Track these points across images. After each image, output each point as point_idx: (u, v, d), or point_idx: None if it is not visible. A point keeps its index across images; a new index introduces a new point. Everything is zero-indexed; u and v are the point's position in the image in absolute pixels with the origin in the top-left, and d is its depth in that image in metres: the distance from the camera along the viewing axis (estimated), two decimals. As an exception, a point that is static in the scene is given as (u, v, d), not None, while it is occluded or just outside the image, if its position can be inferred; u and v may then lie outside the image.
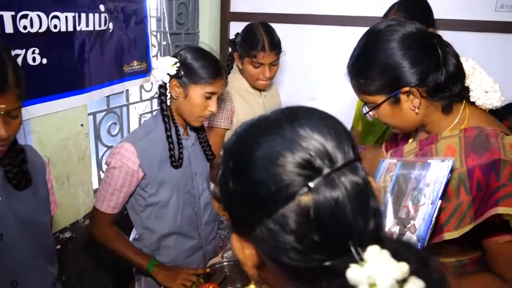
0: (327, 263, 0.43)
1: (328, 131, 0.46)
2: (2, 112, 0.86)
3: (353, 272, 0.40)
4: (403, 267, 0.39)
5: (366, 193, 0.45)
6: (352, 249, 0.42)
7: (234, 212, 0.51)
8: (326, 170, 0.44)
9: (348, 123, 2.01)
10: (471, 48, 2.02)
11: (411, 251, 0.44)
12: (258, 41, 1.74)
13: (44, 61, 1.41)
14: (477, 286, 0.96)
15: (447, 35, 1.96)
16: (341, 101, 1.96)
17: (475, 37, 2.05)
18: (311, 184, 0.43)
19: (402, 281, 0.39)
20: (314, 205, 0.43)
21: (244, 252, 0.51)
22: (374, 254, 0.40)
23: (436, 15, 1.69)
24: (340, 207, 0.43)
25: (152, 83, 2.13)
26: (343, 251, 0.42)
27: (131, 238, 1.46)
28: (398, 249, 0.42)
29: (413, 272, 0.40)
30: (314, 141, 0.45)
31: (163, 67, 1.29)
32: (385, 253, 0.40)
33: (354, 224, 0.43)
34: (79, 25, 1.54)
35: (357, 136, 1.92)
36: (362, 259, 0.41)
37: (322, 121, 0.48)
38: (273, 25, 1.88)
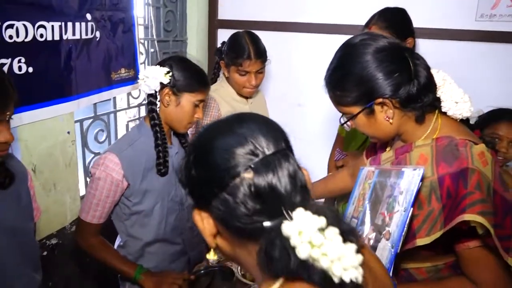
0: (266, 223, 0.56)
1: (267, 130, 0.62)
2: (7, 119, 0.94)
3: (285, 226, 0.53)
4: (321, 220, 0.54)
5: (295, 173, 0.59)
6: (284, 212, 0.55)
7: (195, 192, 0.65)
8: (262, 155, 0.59)
9: (333, 129, 2.04)
10: (452, 56, 2.07)
11: (328, 210, 0.56)
12: (243, 49, 1.77)
13: (30, 69, 1.42)
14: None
15: (428, 44, 2.02)
16: (327, 108, 1.98)
17: (456, 46, 2.09)
18: (251, 165, 0.58)
19: (322, 230, 0.53)
20: (254, 181, 0.57)
21: (203, 223, 0.64)
22: (300, 213, 0.54)
23: (417, 24, 1.73)
24: (274, 183, 0.57)
25: (140, 90, 2.14)
26: (278, 214, 0.55)
27: (115, 245, 1.47)
28: (319, 210, 0.56)
29: (330, 224, 0.54)
30: (256, 137, 0.60)
31: (157, 76, 1.32)
32: (308, 212, 0.54)
33: (285, 195, 0.57)
34: (65, 34, 1.55)
35: (341, 142, 1.95)
36: (292, 218, 0.54)
37: (263, 122, 0.64)
38: (260, 32, 1.91)
